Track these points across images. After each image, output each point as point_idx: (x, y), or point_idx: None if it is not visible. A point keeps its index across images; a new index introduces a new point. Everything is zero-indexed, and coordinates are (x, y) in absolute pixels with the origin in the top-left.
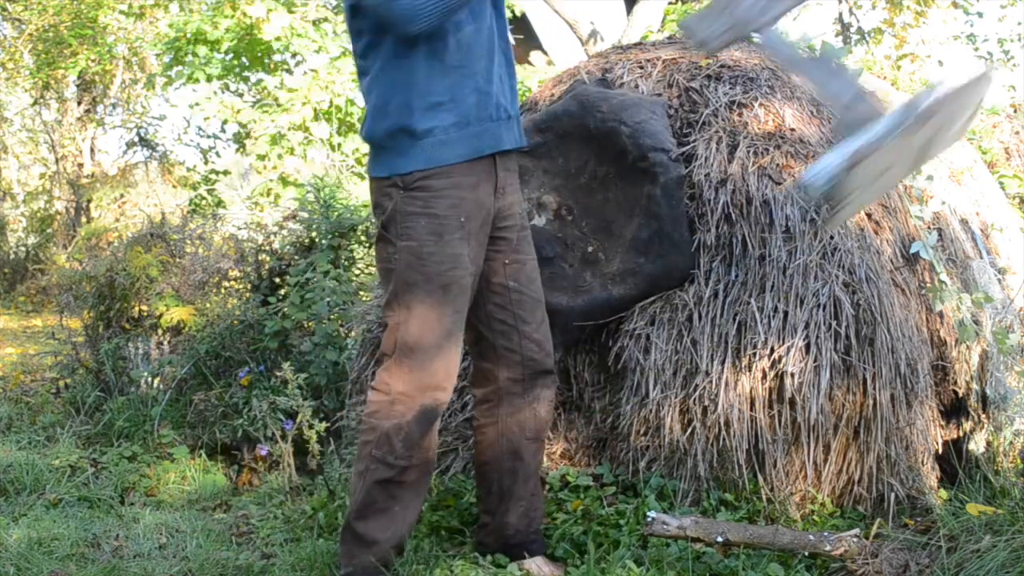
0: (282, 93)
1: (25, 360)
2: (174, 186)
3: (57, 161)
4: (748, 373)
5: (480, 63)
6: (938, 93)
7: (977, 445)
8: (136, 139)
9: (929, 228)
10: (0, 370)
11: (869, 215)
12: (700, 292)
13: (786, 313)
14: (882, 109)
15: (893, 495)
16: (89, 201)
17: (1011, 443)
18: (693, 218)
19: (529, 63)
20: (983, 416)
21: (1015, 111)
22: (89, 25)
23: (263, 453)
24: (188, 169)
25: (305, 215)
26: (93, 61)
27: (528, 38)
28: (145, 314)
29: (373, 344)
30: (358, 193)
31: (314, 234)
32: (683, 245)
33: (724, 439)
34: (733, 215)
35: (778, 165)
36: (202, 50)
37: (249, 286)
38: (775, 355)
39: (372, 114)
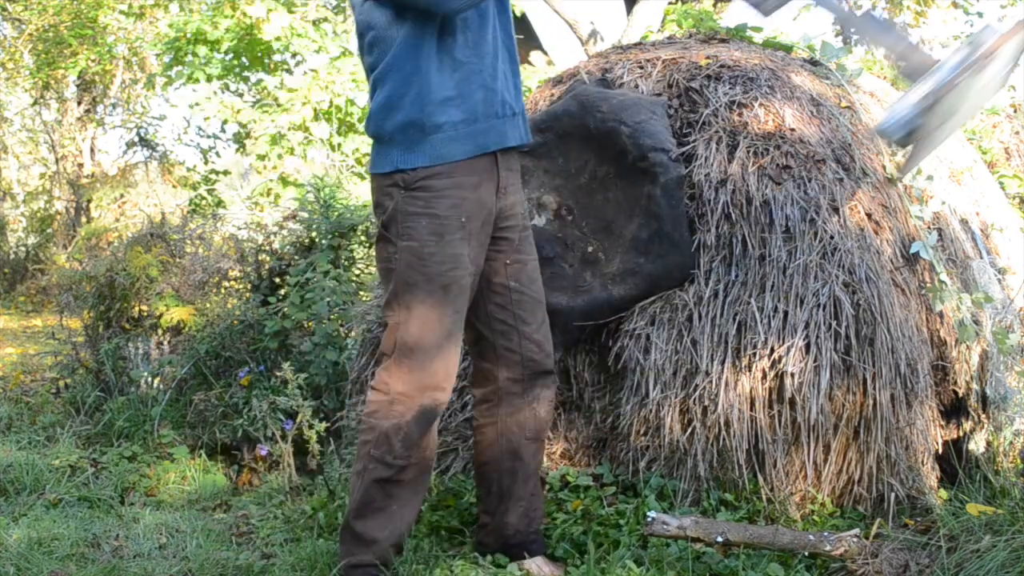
0: (282, 93)
1: (25, 360)
2: (174, 186)
3: (57, 161)
4: (748, 373)
5: (485, 60)
6: (1000, 29)
7: (977, 445)
8: (136, 139)
9: (929, 228)
10: (0, 370)
11: (869, 215)
12: (700, 292)
13: (786, 313)
14: (931, 56)
15: (893, 495)
16: (89, 201)
17: (1011, 443)
18: (693, 218)
19: (529, 63)
20: (983, 416)
21: (1015, 111)
22: (89, 25)
23: (263, 453)
24: (188, 169)
25: (305, 215)
26: (93, 61)
27: (528, 38)
28: (145, 314)
29: (373, 344)
30: (358, 193)
31: (314, 234)
32: (683, 245)
33: (724, 439)
34: (733, 215)
35: (778, 165)
36: (202, 50)
37: (249, 286)
38: (775, 355)
39: (382, 108)
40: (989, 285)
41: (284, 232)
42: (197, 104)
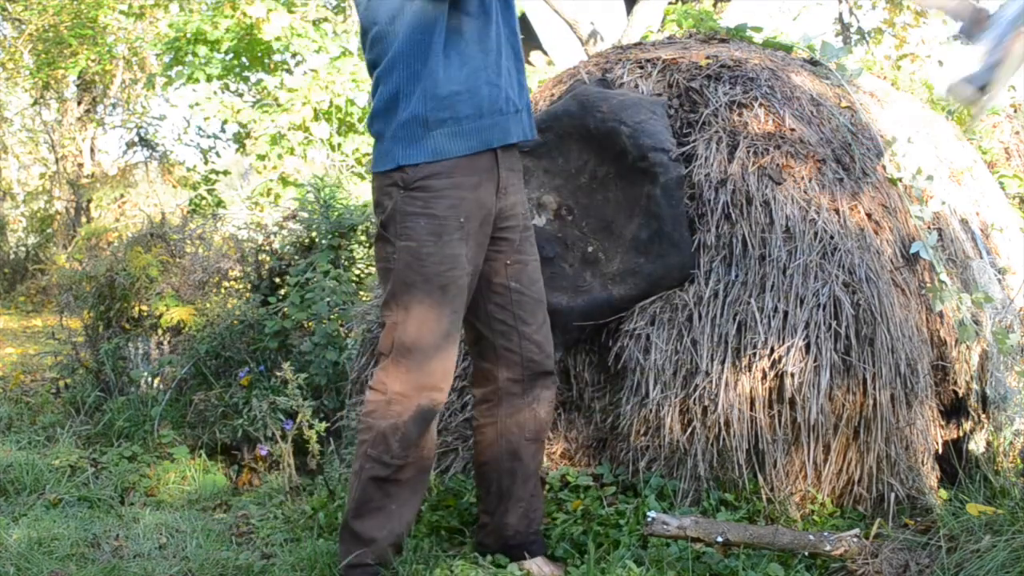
0: (282, 93)
1: (25, 360)
2: (174, 186)
3: (57, 161)
4: (748, 373)
5: (490, 56)
6: None
7: (977, 445)
8: (136, 139)
9: (929, 228)
10: (0, 370)
11: (869, 215)
12: (700, 292)
13: (786, 313)
14: (984, 8)
15: (893, 495)
16: (89, 201)
17: (1011, 443)
18: (693, 218)
19: (529, 63)
20: (983, 416)
21: (1015, 111)
22: (89, 25)
23: (263, 453)
24: (188, 169)
25: (305, 215)
26: (93, 61)
27: (528, 38)
28: (145, 314)
29: (373, 344)
30: (358, 193)
31: (314, 234)
32: (683, 245)
33: (724, 439)
34: (733, 215)
35: (778, 165)
36: (202, 50)
37: (249, 286)
38: (775, 355)
39: (385, 104)
40: (989, 285)
41: (284, 232)
42: (197, 104)
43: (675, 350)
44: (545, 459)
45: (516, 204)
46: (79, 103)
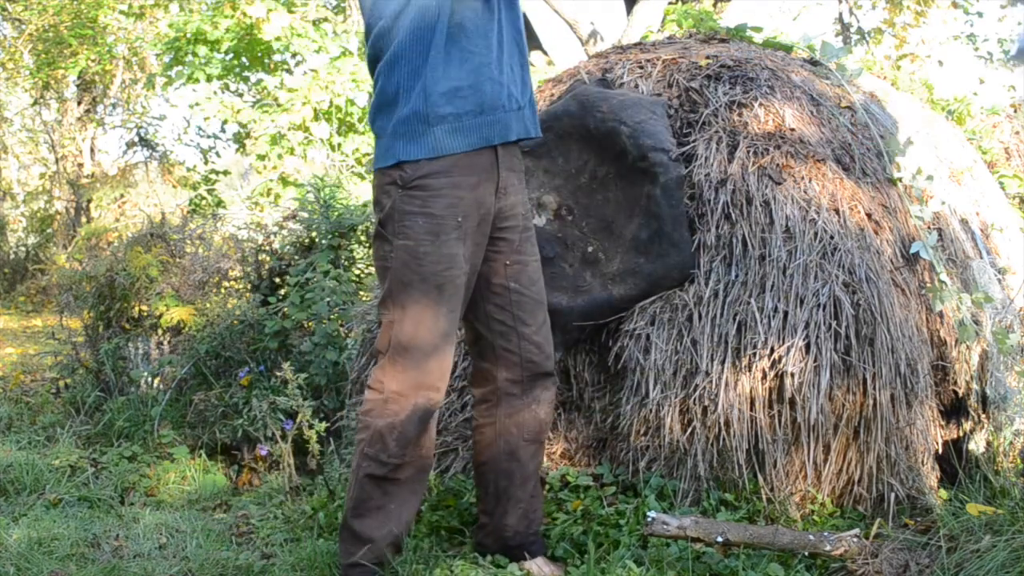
0: (282, 93)
1: (25, 360)
2: (174, 186)
3: (57, 161)
4: (748, 373)
5: (492, 52)
6: None
7: (977, 445)
8: (136, 139)
9: (929, 228)
10: (0, 370)
11: (869, 215)
12: (700, 292)
13: (786, 313)
14: None
15: (893, 495)
16: (89, 201)
17: (1011, 443)
18: (693, 218)
19: (529, 63)
20: (983, 416)
21: (1015, 111)
22: (89, 25)
23: (263, 453)
24: (188, 169)
25: (305, 215)
26: (93, 61)
27: (528, 38)
28: (145, 314)
29: (373, 344)
30: (358, 193)
31: (314, 234)
32: (683, 245)
33: (724, 439)
34: (733, 215)
35: (778, 165)
36: (202, 50)
37: (249, 286)
38: (775, 355)
39: (386, 100)
40: (989, 285)
41: (284, 232)
42: (197, 104)
43: (675, 350)
44: (545, 459)
45: (516, 204)
46: (79, 103)
